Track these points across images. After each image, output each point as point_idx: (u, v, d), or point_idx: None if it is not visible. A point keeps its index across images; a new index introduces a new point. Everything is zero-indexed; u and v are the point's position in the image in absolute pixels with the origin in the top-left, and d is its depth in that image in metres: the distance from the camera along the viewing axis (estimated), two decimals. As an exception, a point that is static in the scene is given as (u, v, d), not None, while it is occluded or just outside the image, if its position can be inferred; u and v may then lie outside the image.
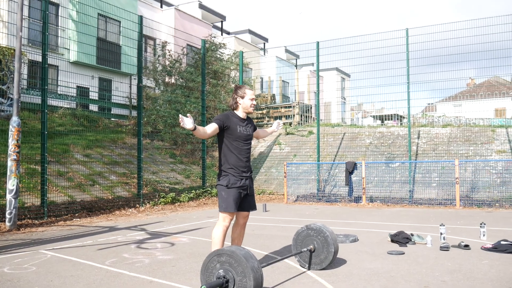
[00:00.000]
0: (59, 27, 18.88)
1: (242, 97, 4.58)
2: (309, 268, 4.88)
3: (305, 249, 4.81)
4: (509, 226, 8.10)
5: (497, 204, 11.71)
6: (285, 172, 14.19)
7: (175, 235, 7.55)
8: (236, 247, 3.64)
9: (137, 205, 11.72)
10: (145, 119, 15.91)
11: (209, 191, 14.26)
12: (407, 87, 13.73)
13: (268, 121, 21.14)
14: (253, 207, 4.69)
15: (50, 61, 10.90)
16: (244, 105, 4.58)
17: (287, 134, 18.65)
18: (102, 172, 12.84)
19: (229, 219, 4.43)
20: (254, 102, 4.62)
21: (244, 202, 4.57)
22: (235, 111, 4.64)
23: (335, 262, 5.11)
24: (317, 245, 4.84)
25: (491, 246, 5.88)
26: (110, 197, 11.62)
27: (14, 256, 5.77)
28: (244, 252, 3.57)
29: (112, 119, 17.50)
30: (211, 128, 4.41)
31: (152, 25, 18.36)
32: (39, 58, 10.27)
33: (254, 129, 4.84)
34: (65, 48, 19.05)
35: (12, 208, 8.24)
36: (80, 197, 10.92)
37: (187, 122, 4.09)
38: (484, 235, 6.68)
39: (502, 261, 5.19)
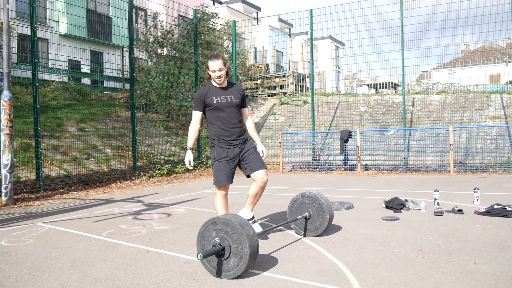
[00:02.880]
0: (48, -1, 18.50)
1: (209, 70, 4.52)
2: (304, 235, 4.93)
3: (300, 217, 4.85)
4: (502, 191, 8.19)
5: (490, 170, 11.81)
6: (280, 142, 14.20)
7: (171, 206, 7.59)
8: (232, 215, 3.66)
9: (133, 177, 11.75)
10: (138, 92, 15.78)
11: (204, 162, 14.29)
12: (401, 54, 13.64)
13: (262, 91, 21.03)
14: (261, 166, 4.60)
15: (40, 34, 10.72)
16: (212, 77, 4.54)
17: (282, 104, 18.59)
18: (97, 145, 12.81)
19: (222, 189, 4.59)
20: (218, 74, 4.45)
21: (248, 165, 4.58)
22: (212, 82, 4.61)
23: (330, 229, 5.16)
24: (312, 212, 4.88)
25: (484, 210, 5.95)
26: (105, 170, 11.62)
27: (11, 230, 5.80)
28: (239, 219, 3.59)
29: (105, 92, 17.35)
30: (197, 118, 4.60)
31: (142, -5, 18.03)
32: (28, 32, 10.09)
33: (243, 98, 4.73)
34: (54, 21, 18.72)
35: (7, 183, 8.23)
36: (76, 171, 10.92)
37: (189, 161, 4.64)
38: (477, 200, 6.76)
39: (495, 224, 5.27)
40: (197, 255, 3.42)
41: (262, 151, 4.76)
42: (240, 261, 3.48)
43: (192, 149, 4.69)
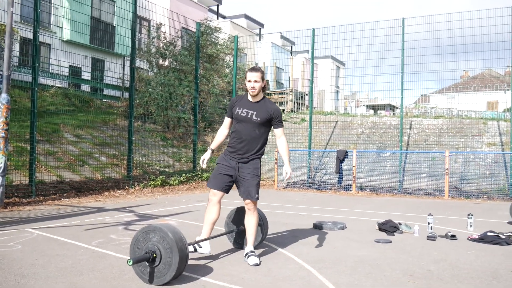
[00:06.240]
0: (52, 4, 18.59)
1: (246, 80, 4.56)
2: (242, 247, 5.03)
3: (236, 230, 5.07)
4: (496, 218, 8.16)
5: (485, 196, 11.80)
6: (276, 159, 14.18)
7: (163, 217, 7.53)
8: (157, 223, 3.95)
9: (126, 187, 11.67)
10: (137, 101, 15.78)
11: (199, 175, 14.23)
12: (401, 77, 13.72)
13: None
14: (246, 196, 4.51)
15: (43, 39, 10.75)
16: (247, 88, 4.55)
17: (280, 120, 18.58)
18: (92, 153, 12.76)
19: (211, 193, 4.60)
20: (253, 84, 4.46)
21: (239, 189, 4.61)
22: (247, 93, 4.63)
23: (322, 249, 5.12)
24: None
25: (477, 237, 5.92)
26: (99, 178, 11.56)
27: (0, 234, 5.73)
28: (164, 224, 3.89)
29: (104, 100, 17.35)
30: (226, 122, 4.75)
31: (147, 6, 18.13)
32: (31, 35, 10.11)
33: (270, 119, 4.57)
34: (58, 27, 18.79)
35: (-1, 186, 8.15)
36: (69, 177, 10.85)
37: (203, 159, 4.62)
38: (471, 226, 6.73)
39: (487, 252, 5.23)
40: (127, 261, 3.52)
41: (286, 172, 4.62)
42: (172, 254, 3.61)
43: (213, 150, 4.72)
